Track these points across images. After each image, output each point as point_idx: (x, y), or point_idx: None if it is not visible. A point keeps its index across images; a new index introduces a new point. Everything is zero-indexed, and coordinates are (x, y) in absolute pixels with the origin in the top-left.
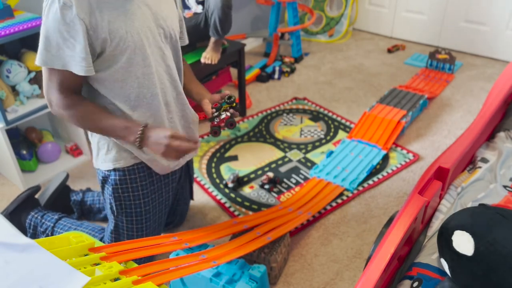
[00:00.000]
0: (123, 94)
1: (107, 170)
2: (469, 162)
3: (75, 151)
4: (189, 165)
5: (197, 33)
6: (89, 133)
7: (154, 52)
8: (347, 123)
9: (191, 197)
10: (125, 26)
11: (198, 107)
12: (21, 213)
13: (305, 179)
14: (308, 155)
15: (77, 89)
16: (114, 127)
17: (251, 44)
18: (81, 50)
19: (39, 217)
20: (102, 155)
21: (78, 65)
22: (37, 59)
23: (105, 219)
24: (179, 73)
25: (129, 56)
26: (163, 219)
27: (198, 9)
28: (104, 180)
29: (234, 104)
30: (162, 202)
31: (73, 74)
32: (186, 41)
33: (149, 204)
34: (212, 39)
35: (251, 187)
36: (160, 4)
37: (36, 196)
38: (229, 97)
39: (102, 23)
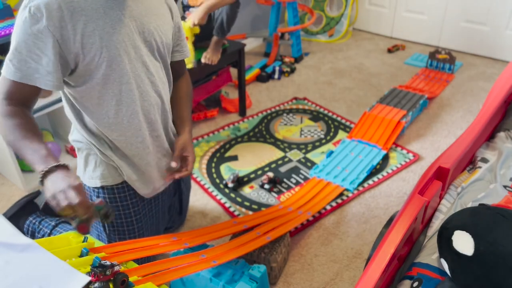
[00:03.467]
0: (100, 112)
1: (95, 187)
2: (469, 162)
3: (75, 151)
4: (181, 179)
5: (198, 34)
6: (78, 145)
7: (136, 68)
8: (347, 123)
9: (180, 212)
10: (101, 40)
11: (199, 106)
12: (19, 218)
13: (305, 179)
14: (308, 155)
15: (27, 102)
16: (37, 149)
17: (251, 44)
18: (48, 63)
19: (36, 223)
20: (89, 171)
21: (43, 78)
22: (3, 67)
23: None
24: (169, 89)
25: (104, 72)
26: (161, 228)
27: None
28: (93, 199)
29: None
30: (153, 215)
31: (28, 87)
32: (187, 54)
33: (141, 220)
34: (214, 39)
35: (251, 187)
36: (148, 15)
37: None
38: (98, 208)
39: (75, 37)
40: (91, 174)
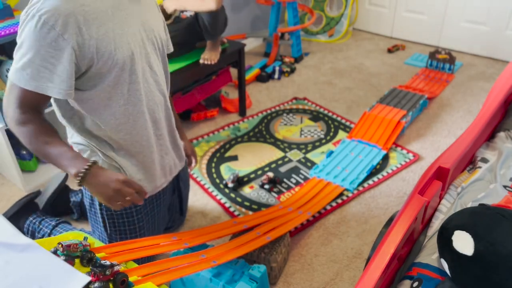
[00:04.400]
0: (108, 113)
1: None
2: (469, 162)
3: None
4: (179, 177)
5: (195, 33)
6: (79, 147)
7: (142, 67)
8: (347, 123)
9: (181, 212)
10: (114, 42)
11: (199, 106)
12: (19, 218)
13: (305, 179)
14: (308, 155)
15: (38, 108)
16: (62, 153)
17: (251, 44)
18: (63, 71)
19: (37, 223)
20: None
21: (57, 87)
22: (12, 75)
23: None
24: (167, 85)
25: (116, 74)
26: (161, 228)
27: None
28: (93, 199)
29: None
30: (155, 214)
31: (41, 94)
32: (171, 48)
33: (143, 220)
34: (208, 42)
35: (251, 187)
36: (146, 14)
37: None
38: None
39: (90, 42)
40: None
